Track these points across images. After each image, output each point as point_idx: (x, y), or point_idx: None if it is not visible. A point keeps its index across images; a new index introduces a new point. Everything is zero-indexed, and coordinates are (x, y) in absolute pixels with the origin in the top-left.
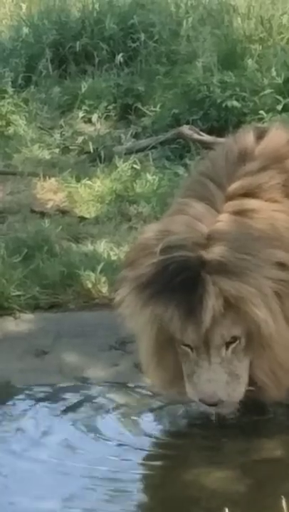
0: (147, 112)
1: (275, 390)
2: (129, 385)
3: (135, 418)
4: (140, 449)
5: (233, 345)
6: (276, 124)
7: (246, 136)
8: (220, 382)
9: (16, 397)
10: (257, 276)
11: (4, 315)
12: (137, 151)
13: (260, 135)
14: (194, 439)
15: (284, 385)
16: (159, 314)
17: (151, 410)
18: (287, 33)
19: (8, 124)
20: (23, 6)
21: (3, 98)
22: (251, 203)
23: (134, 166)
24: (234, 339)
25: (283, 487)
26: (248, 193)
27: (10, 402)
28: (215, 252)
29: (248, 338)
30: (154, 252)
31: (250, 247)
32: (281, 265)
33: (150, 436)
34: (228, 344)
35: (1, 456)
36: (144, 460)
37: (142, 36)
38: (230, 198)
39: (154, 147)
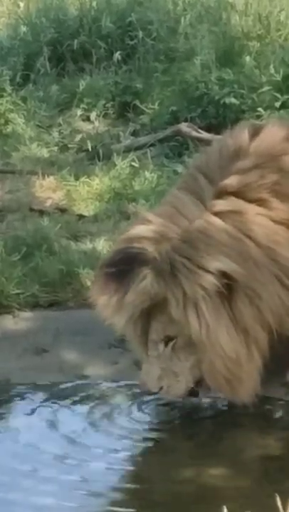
0: (145, 109)
1: (228, 395)
2: (129, 382)
3: (133, 415)
4: (139, 446)
5: (172, 343)
6: (272, 121)
7: (241, 133)
8: (151, 375)
9: (16, 396)
10: (185, 281)
11: (3, 313)
12: (136, 149)
13: (256, 132)
14: (193, 435)
15: (236, 392)
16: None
17: (151, 407)
18: (285, 30)
19: (7, 122)
20: (21, 4)
21: (2, 96)
22: (237, 204)
23: (133, 163)
24: (169, 338)
25: (283, 484)
26: (237, 192)
27: (10, 401)
28: (158, 250)
29: (187, 339)
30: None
31: (193, 252)
32: (224, 274)
33: (149, 433)
34: (166, 341)
35: (0, 455)
36: (142, 457)
37: (140, 34)
38: (219, 195)
39: (152, 145)
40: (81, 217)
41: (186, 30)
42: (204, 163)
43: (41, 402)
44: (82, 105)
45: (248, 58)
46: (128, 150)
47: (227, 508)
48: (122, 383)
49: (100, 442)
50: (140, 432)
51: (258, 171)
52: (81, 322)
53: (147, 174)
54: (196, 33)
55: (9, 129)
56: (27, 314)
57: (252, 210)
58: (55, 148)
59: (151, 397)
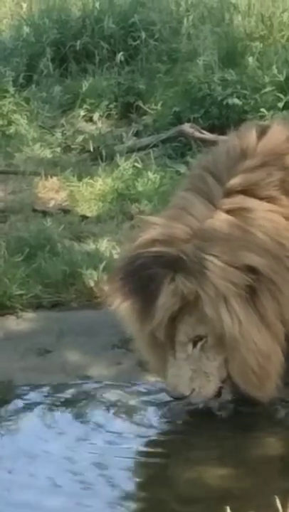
0: (148, 110)
1: (255, 392)
2: (132, 383)
3: (137, 416)
4: (141, 447)
5: (201, 343)
6: (277, 121)
7: (249, 133)
8: (183, 377)
9: (19, 396)
10: (215, 277)
11: (7, 314)
12: (139, 150)
13: (263, 132)
14: (196, 436)
15: (264, 387)
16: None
17: (153, 408)
18: (288, 31)
19: (10, 123)
20: (24, 5)
21: (5, 97)
22: (247, 202)
23: (136, 164)
24: (199, 337)
25: (285, 484)
26: (246, 190)
27: (12, 401)
28: (182, 250)
29: (217, 337)
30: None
31: (218, 248)
32: (250, 269)
33: (151, 434)
34: (195, 342)
35: (3, 455)
36: (144, 457)
37: (143, 35)
38: (228, 194)
39: (155, 145)
40: (84, 217)
41: (188, 30)
42: (212, 164)
43: (44, 402)
44: (85, 106)
45: (250, 59)
46: (131, 151)
47: (230, 508)
48: (124, 384)
49: (101, 445)
50: (142, 433)
51: (266, 169)
52: (84, 323)
53: (150, 175)
54: (198, 33)
55: (12, 129)
56: (30, 315)
57: (262, 207)
58: (58, 149)
59: (153, 397)
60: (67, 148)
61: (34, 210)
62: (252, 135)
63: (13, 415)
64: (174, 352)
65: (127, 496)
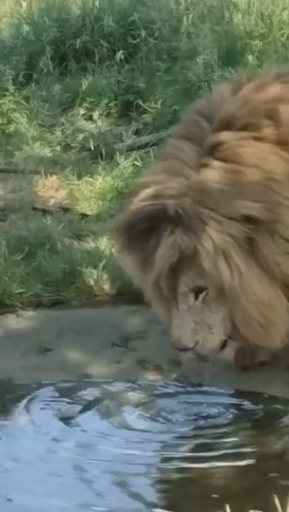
0: (148, 108)
1: (263, 341)
2: (132, 381)
3: (137, 414)
4: (142, 446)
5: (202, 295)
6: (267, 72)
7: (241, 79)
8: (186, 329)
9: (19, 395)
10: (213, 231)
11: (6, 312)
12: (138, 148)
13: (251, 78)
14: (197, 436)
15: (270, 336)
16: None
17: (153, 407)
18: (288, 29)
19: (10, 121)
20: (24, 4)
21: (4, 96)
22: (241, 145)
23: (136, 162)
24: (200, 289)
25: (284, 484)
26: (237, 126)
27: (13, 400)
28: (180, 205)
29: (218, 290)
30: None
31: (213, 201)
32: (247, 218)
33: (152, 433)
34: (196, 293)
35: (2, 454)
36: (145, 456)
37: (143, 33)
38: (220, 128)
39: (155, 144)
40: (84, 216)
41: (188, 29)
42: (206, 108)
43: (44, 401)
44: (84, 104)
45: (250, 57)
46: (131, 149)
47: (230, 507)
48: (125, 381)
49: (102, 443)
50: (143, 432)
51: (255, 107)
52: (84, 321)
53: None
54: (198, 32)
55: (12, 128)
56: (30, 313)
57: (252, 147)
58: (58, 147)
59: (154, 396)
60: (67, 147)
61: (34, 209)
62: (242, 79)
63: (13, 413)
64: (176, 303)
65: (126, 493)
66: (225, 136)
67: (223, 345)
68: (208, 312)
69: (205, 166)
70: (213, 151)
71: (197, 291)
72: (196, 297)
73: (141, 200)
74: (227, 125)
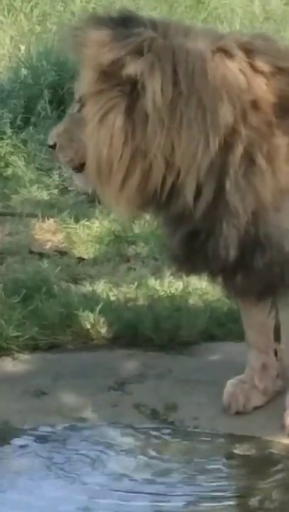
0: None
1: (96, 188)
2: (129, 425)
3: (133, 457)
4: (140, 484)
5: (78, 106)
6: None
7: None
8: (56, 128)
9: (15, 438)
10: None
11: (3, 356)
12: None
13: None
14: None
15: (102, 189)
16: None
17: (150, 449)
18: None
19: (7, 165)
20: (22, 48)
21: (2, 139)
22: None
23: None
24: (80, 101)
25: (284, 483)
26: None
27: (8, 443)
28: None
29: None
30: None
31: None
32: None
33: (150, 473)
34: (81, 106)
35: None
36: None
37: None
38: None
39: None
40: (81, 259)
41: None
42: None
43: (40, 444)
44: None
45: None
46: None
47: (230, 507)
48: (121, 425)
49: (100, 481)
50: (140, 472)
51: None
52: (80, 365)
53: (147, 217)
54: None
55: (9, 171)
56: (26, 357)
57: None
58: (55, 190)
59: (151, 439)
60: (64, 190)
61: (31, 252)
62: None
63: (9, 457)
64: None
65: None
66: None
67: (79, 168)
68: (80, 126)
69: None
70: None
71: (80, 104)
72: (79, 110)
73: None
74: None
